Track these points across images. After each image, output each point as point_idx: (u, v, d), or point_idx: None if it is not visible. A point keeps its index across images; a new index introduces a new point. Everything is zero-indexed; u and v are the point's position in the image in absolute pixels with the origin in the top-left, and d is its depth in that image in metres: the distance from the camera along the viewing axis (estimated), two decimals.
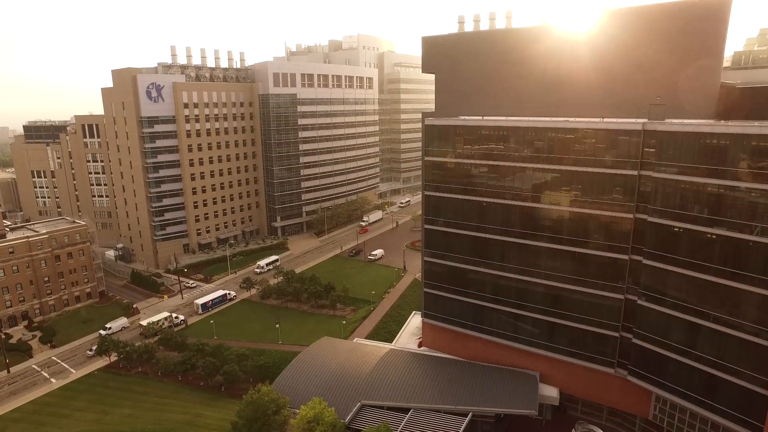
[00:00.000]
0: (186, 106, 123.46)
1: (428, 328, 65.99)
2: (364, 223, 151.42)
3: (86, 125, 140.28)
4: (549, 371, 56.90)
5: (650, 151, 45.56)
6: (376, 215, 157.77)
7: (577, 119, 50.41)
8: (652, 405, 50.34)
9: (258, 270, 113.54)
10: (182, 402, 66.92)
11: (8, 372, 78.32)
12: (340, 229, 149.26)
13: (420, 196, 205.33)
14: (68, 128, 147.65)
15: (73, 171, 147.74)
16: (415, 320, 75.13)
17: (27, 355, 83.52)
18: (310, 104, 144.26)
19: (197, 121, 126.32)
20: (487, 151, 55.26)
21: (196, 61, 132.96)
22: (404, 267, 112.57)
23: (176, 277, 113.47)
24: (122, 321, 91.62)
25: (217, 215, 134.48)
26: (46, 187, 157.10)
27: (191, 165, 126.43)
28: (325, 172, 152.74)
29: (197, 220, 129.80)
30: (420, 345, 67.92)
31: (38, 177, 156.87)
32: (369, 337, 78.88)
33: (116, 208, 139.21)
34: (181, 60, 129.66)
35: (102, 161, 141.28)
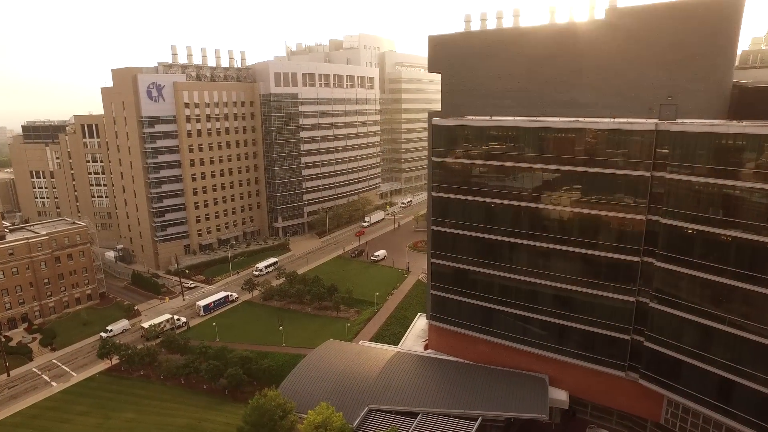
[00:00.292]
0: (187, 105, 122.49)
1: (435, 330, 65.26)
2: (365, 224, 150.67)
3: (86, 125, 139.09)
4: (558, 374, 56.24)
5: (663, 151, 44.85)
6: (378, 215, 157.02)
7: (587, 119, 49.67)
8: (664, 409, 49.70)
9: (257, 273, 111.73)
10: (185, 406, 66.08)
11: (8, 375, 77.36)
12: (342, 230, 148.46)
13: (421, 196, 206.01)
14: (67, 128, 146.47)
15: (72, 171, 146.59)
16: (420, 322, 74.41)
17: (27, 358, 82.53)
18: (311, 104, 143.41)
19: (198, 121, 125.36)
20: (496, 152, 54.52)
21: (197, 60, 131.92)
22: (407, 268, 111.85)
23: (177, 278, 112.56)
24: (123, 323, 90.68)
25: (218, 216, 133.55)
26: (45, 188, 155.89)
27: (192, 165, 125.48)
28: (326, 173, 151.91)
29: (198, 221, 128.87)
30: (426, 347, 67.18)
31: (37, 177, 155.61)
32: (374, 339, 78.15)
33: (116, 208, 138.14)
34: (182, 59, 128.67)
35: (102, 161, 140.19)
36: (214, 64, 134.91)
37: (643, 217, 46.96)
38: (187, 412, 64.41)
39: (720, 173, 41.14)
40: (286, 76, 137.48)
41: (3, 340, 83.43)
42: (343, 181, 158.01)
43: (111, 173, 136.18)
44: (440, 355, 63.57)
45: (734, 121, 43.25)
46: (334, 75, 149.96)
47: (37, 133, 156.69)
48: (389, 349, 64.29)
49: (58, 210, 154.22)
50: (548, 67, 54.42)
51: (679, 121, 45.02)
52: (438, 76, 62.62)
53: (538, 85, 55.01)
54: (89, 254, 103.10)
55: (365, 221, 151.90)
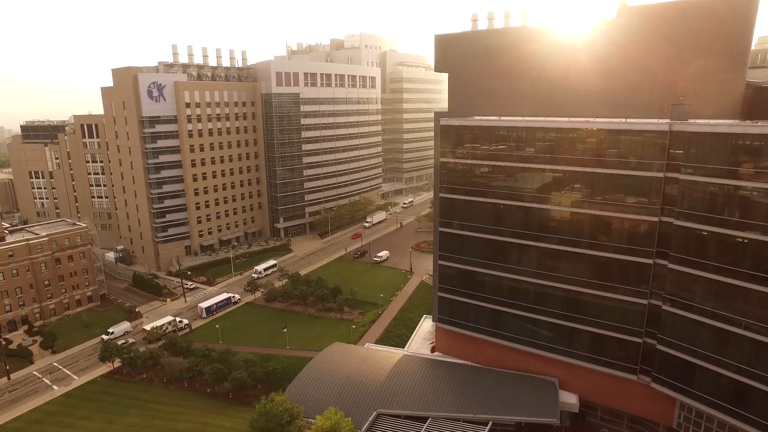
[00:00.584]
0: (188, 105, 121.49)
1: (442, 332, 64.59)
2: (367, 224, 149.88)
3: (85, 125, 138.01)
4: (568, 377, 55.63)
5: (677, 152, 44.22)
6: (380, 216, 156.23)
7: (598, 119, 49.00)
8: (677, 413, 49.10)
9: (256, 275, 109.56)
10: (189, 410, 65.19)
11: (8, 379, 76.29)
12: (344, 230, 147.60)
13: (422, 196, 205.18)
14: (67, 128, 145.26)
15: (71, 171, 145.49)
16: (426, 324, 73.73)
17: (27, 361, 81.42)
18: (312, 104, 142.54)
19: (199, 120, 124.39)
20: (505, 152, 53.82)
21: (198, 60, 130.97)
22: (411, 269, 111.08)
23: (178, 280, 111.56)
24: (125, 325, 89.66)
25: (219, 216, 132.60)
26: (44, 188, 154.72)
27: (193, 165, 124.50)
28: (327, 173, 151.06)
29: (199, 222, 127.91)
30: (433, 350, 66.53)
31: (36, 178, 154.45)
32: (379, 341, 77.41)
33: (116, 209, 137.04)
34: (183, 59, 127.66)
35: (101, 162, 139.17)
36: (215, 64, 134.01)
37: (655, 219, 46.33)
38: (191, 417, 63.54)
39: (736, 174, 40.51)
40: (288, 76, 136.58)
41: (3, 342, 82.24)
42: (344, 182, 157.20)
43: (111, 173, 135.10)
44: (447, 357, 62.91)
45: (748, 121, 42.62)
46: (335, 75, 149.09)
47: (36, 133, 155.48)
48: (396, 352, 63.54)
49: (57, 210, 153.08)
50: (557, 67, 53.72)
51: (692, 121, 44.34)
52: (439, 76, 62.49)
53: (547, 85, 54.31)
54: (90, 255, 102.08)
55: (367, 221, 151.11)
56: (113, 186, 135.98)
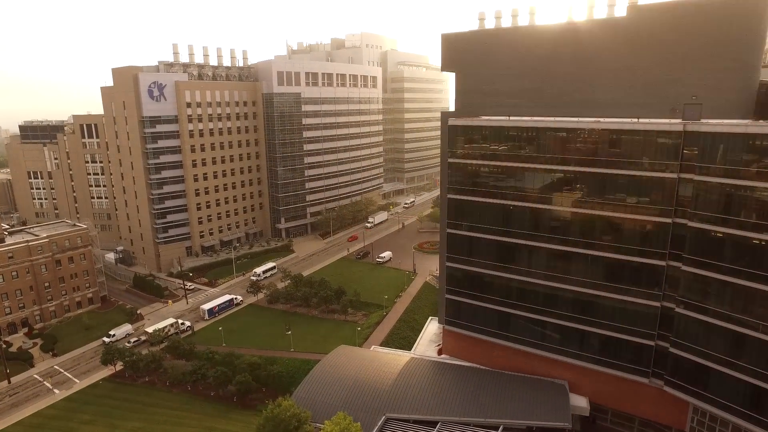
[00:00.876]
0: (189, 105, 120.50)
1: (449, 335, 63.86)
2: (369, 224, 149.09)
3: (84, 125, 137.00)
4: (578, 380, 54.96)
5: (691, 152, 43.57)
6: (382, 216, 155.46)
7: (610, 119, 48.36)
8: (690, 417, 48.47)
9: (254, 278, 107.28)
10: (194, 414, 64.38)
11: (9, 382, 75.31)
12: (346, 231, 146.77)
13: (424, 196, 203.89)
14: (66, 128, 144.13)
15: (71, 172, 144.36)
16: (432, 326, 73.03)
17: (28, 365, 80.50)
18: (314, 104, 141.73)
19: (200, 120, 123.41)
20: (515, 153, 53.11)
21: (199, 59, 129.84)
22: (414, 270, 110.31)
23: (179, 281, 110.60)
24: (126, 328, 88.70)
25: (221, 217, 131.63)
26: (43, 188, 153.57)
27: (194, 166, 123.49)
28: (329, 173, 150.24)
29: (200, 222, 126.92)
30: (440, 352, 65.80)
31: (35, 178, 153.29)
32: (384, 343, 76.64)
33: (116, 210, 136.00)
34: (183, 58, 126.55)
35: (101, 162, 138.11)
36: (215, 63, 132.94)
37: (669, 220, 45.66)
38: (196, 421, 62.74)
39: (752, 175, 39.86)
40: (289, 75, 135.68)
41: (3, 345, 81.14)
42: (346, 182, 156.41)
43: (111, 174, 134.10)
44: (455, 360, 62.19)
45: (762, 121, 41.97)
46: (337, 74, 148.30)
47: (35, 133, 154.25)
48: (403, 355, 62.82)
49: (56, 211, 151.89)
50: (566, 66, 53.00)
51: (706, 120, 43.75)
52: (440, 76, 61.87)
53: (556, 85, 53.62)
54: (90, 257, 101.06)
55: (369, 222, 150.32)
56: (113, 186, 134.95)
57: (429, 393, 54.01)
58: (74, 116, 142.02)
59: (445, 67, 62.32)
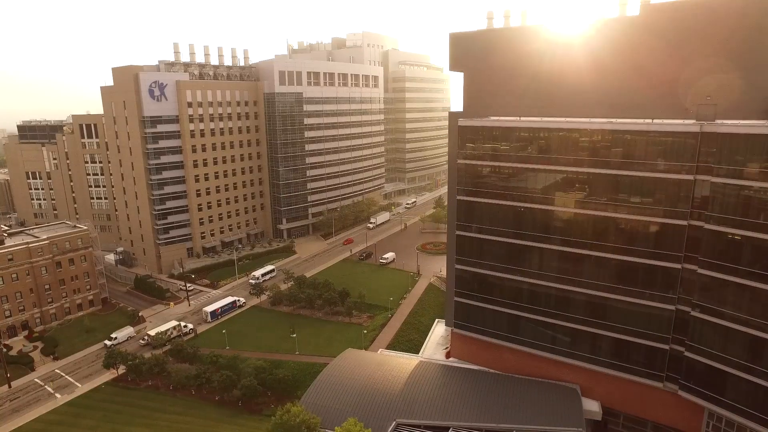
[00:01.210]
0: (190, 105, 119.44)
1: (457, 338, 63.07)
2: (371, 225, 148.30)
3: (84, 125, 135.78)
4: (589, 384, 54.24)
5: (708, 154, 42.86)
6: (384, 217, 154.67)
7: (624, 120, 47.64)
8: (705, 421, 47.78)
9: (253, 281, 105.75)
10: (199, 419, 63.42)
11: (9, 387, 74.15)
12: (347, 231, 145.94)
13: (425, 196, 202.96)
14: (65, 128, 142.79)
15: (70, 172, 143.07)
16: (438, 329, 72.24)
17: (29, 368, 79.36)
18: (316, 103, 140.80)
19: (201, 120, 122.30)
20: (526, 154, 52.34)
21: (200, 58, 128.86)
22: (418, 271, 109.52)
23: (180, 283, 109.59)
24: (128, 330, 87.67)
25: (222, 218, 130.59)
26: (42, 189, 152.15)
27: (195, 166, 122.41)
28: (331, 173, 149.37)
29: (201, 223, 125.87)
30: (448, 356, 65.02)
31: (33, 178, 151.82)
32: (390, 346, 75.90)
33: (116, 210, 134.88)
34: (184, 58, 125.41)
35: (100, 162, 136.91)
36: (216, 63, 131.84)
37: (684, 222, 44.95)
38: (201, 426, 61.81)
39: None
40: (291, 75, 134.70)
41: (3, 349, 79.92)
42: (347, 182, 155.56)
43: (111, 174, 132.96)
44: (463, 363, 61.40)
45: None
46: (339, 74, 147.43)
47: (33, 133, 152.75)
48: (411, 359, 61.98)
49: (55, 212, 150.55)
50: (577, 65, 52.23)
51: (722, 122, 43.06)
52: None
53: (566, 84, 52.84)
54: (91, 258, 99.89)
55: (371, 222, 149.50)
56: (113, 187, 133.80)
57: (439, 398, 53.20)
58: (73, 116, 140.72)
59: (453, 66, 61.48)
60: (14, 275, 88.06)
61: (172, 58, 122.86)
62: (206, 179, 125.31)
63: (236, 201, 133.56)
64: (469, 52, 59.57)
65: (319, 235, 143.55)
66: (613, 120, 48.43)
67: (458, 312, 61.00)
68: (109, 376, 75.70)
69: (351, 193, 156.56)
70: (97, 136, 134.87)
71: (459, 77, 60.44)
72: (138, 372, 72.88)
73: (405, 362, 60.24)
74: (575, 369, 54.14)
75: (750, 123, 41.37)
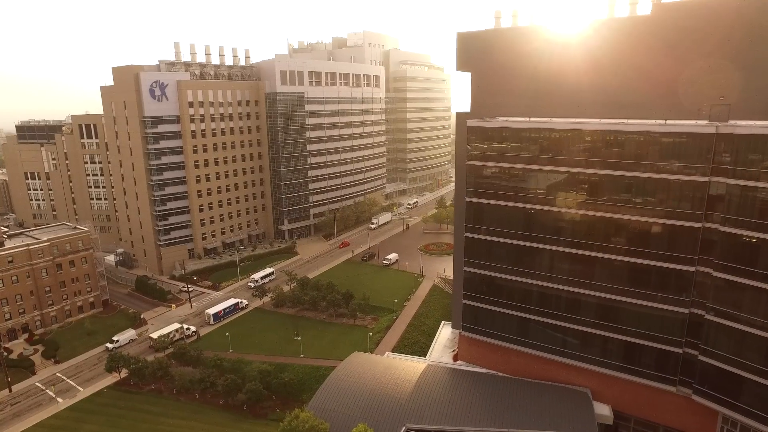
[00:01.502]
0: (191, 105, 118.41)
1: (465, 341, 62.38)
2: (373, 226, 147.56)
3: (83, 125, 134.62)
4: (600, 387, 53.62)
5: (724, 155, 42.24)
6: (386, 217, 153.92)
7: (637, 121, 47.02)
8: (719, 426, 47.18)
9: (252, 284, 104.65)
10: (203, 424, 62.61)
11: (10, 391, 73.15)
12: (349, 232, 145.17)
13: (426, 197, 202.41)
14: (64, 128, 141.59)
15: (69, 173, 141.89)
16: (445, 331, 71.51)
17: (29, 372, 78.34)
18: (317, 103, 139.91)
19: (202, 120, 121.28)
20: (537, 155, 51.65)
21: (200, 58, 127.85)
22: (422, 272, 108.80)
23: (181, 284, 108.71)
24: (130, 333, 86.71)
25: (223, 219, 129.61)
26: (41, 190, 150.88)
27: (196, 167, 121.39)
28: (332, 173, 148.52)
29: (202, 224, 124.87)
30: (455, 358, 64.31)
31: (32, 179, 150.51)
32: (396, 349, 75.13)
33: (116, 211, 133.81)
34: (185, 57, 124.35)
35: (100, 163, 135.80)
36: (217, 62, 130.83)
37: (699, 225, 44.33)
38: (205, 431, 60.87)
39: None
40: (292, 75, 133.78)
41: (4, 352, 78.81)
42: (349, 182, 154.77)
43: (111, 175, 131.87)
44: (471, 367, 60.74)
45: None
46: (340, 73, 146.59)
47: (32, 133, 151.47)
48: (419, 362, 61.25)
49: (54, 213, 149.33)
50: (586, 66, 51.66)
51: (738, 122, 42.49)
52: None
53: (576, 85, 52.22)
54: (92, 260, 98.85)
55: (373, 223, 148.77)
56: (113, 188, 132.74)
57: (448, 402, 52.51)
58: (73, 116, 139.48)
59: (460, 67, 60.77)
60: (14, 277, 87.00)
61: (172, 58, 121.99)
62: (207, 180, 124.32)
63: (237, 202, 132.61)
64: (476, 52, 58.92)
65: (321, 235, 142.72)
66: (626, 121, 47.84)
67: (466, 315, 60.32)
68: (111, 379, 74.78)
69: (352, 193, 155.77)
70: (96, 137, 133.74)
71: (459, 77, 60.05)
72: (141, 376, 71.97)
73: (413, 365, 59.52)
74: (585, 372, 53.50)
75: (766, 123, 40.75)
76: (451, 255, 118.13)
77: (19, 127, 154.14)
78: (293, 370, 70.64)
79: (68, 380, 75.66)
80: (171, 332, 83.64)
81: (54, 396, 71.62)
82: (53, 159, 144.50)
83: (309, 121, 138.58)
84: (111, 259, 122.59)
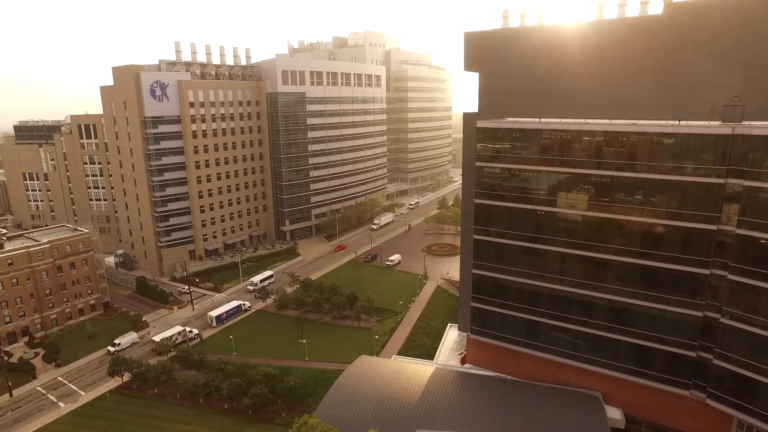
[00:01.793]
0: (192, 105, 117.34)
1: (473, 344, 61.72)
2: (375, 226, 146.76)
3: (82, 125, 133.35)
4: (611, 391, 53.07)
5: (740, 157, 41.66)
6: (387, 218, 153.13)
7: (650, 122, 46.42)
8: (734, 430, 46.68)
9: (251, 287, 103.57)
10: (208, 429, 61.70)
11: (11, 395, 72.07)
12: (351, 233, 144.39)
13: (427, 197, 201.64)
14: (62, 128, 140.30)
15: (68, 173, 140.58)
16: (452, 334, 70.91)
17: (30, 376, 77.25)
18: (319, 103, 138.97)
19: (203, 121, 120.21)
20: (548, 156, 50.99)
21: (201, 57, 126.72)
22: (425, 273, 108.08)
23: (182, 286, 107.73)
24: (132, 336, 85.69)
25: (224, 219, 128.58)
26: (39, 190, 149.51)
27: (197, 167, 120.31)
28: (334, 174, 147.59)
29: (204, 225, 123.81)
30: (463, 361, 63.71)
31: (30, 180, 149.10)
32: (402, 352, 74.41)
33: (115, 212, 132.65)
34: (185, 57, 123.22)
35: (99, 163, 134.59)
36: (218, 62, 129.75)
37: (714, 227, 43.77)
38: None
39: None
40: (294, 74, 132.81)
41: (4, 356, 77.64)
42: (350, 183, 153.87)
43: (110, 176, 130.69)
44: (480, 370, 60.10)
45: None
46: (341, 73, 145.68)
47: (30, 133, 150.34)
48: (427, 365, 60.56)
49: (52, 213, 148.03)
50: (597, 66, 51.09)
51: (753, 123, 41.90)
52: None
53: (586, 86, 51.68)
54: (93, 262, 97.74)
55: (375, 223, 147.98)
56: (112, 189, 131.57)
57: (458, 407, 51.82)
58: (72, 116, 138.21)
59: (468, 66, 60.10)
60: (14, 280, 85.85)
61: (173, 58, 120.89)
62: (208, 180, 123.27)
63: (239, 202, 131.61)
64: (485, 52, 58.28)
65: (323, 236, 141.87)
66: (638, 122, 47.26)
67: (475, 317, 59.65)
68: (113, 383, 73.79)
69: (354, 194, 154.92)
70: (96, 137, 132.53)
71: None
72: (144, 379, 71.02)
73: (421, 369, 58.83)
74: (596, 376, 52.93)
75: None
76: (454, 256, 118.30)
77: (17, 128, 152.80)
78: (298, 374, 69.81)
79: (70, 384, 74.63)
80: (173, 335, 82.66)
81: (55, 401, 70.59)
82: (52, 159, 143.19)
83: (310, 121, 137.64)
84: (111, 260, 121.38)
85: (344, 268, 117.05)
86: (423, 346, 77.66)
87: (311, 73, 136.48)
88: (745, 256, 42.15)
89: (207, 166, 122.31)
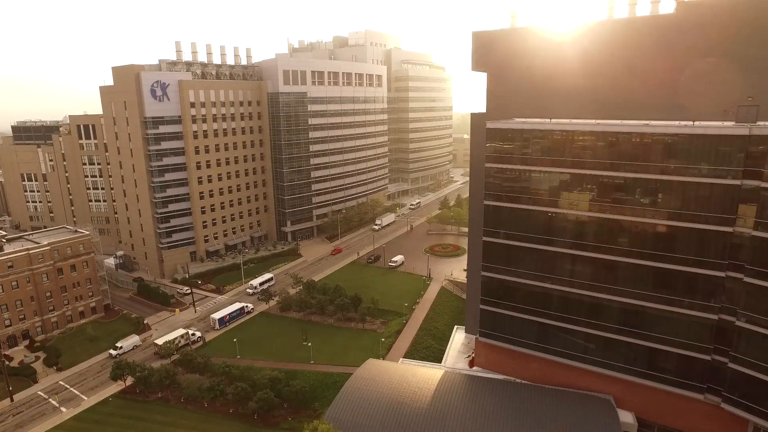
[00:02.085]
0: (193, 105, 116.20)
1: (482, 347, 61.07)
2: (376, 227, 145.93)
3: (81, 126, 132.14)
4: (623, 395, 52.50)
5: (756, 158, 41.08)
6: (389, 218, 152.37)
7: (664, 123, 45.84)
8: None
9: (250, 290, 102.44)
10: None
11: (12, 400, 70.97)
12: (352, 233, 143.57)
13: (429, 197, 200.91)
14: (61, 129, 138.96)
15: (66, 174, 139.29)
16: (459, 336, 70.22)
17: (31, 380, 76.13)
18: (320, 103, 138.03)
19: (204, 121, 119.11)
20: (559, 157, 50.31)
21: (202, 57, 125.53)
22: (429, 274, 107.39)
23: (183, 288, 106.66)
24: (134, 339, 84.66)
25: (225, 220, 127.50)
26: (37, 191, 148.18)
27: (198, 168, 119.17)
28: (335, 174, 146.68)
29: (205, 226, 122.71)
30: (471, 364, 63.04)
31: (28, 180, 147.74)
32: (408, 354, 73.68)
33: (115, 213, 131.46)
34: (186, 57, 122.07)
35: (99, 164, 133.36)
36: (219, 62, 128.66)
37: (729, 229, 43.19)
38: None
39: None
40: (295, 74, 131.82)
41: (4, 360, 76.50)
42: (352, 183, 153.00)
43: (110, 176, 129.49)
44: (489, 373, 59.48)
45: None
46: (343, 73, 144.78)
47: (29, 134, 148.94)
48: (435, 369, 59.88)
49: (51, 215, 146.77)
50: (608, 66, 50.54)
51: (763, 123, 41.41)
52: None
53: (596, 86, 51.09)
54: (93, 264, 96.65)
55: (377, 224, 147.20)
56: (112, 189, 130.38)
57: (469, 411, 51.12)
58: (71, 116, 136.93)
59: (476, 67, 59.40)
60: (14, 283, 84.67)
61: (173, 57, 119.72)
62: (209, 181, 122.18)
63: (240, 203, 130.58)
64: (493, 52, 57.65)
65: (324, 237, 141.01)
66: (650, 122, 46.63)
67: (484, 320, 59.00)
68: (116, 387, 72.78)
69: (355, 194, 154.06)
70: (95, 137, 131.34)
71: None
72: (147, 383, 70.06)
73: (429, 373, 58.14)
74: (608, 379, 52.35)
75: None
76: (457, 257, 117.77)
77: (15, 128, 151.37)
78: (304, 377, 69.00)
79: (71, 388, 73.59)
80: (176, 338, 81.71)
81: (57, 405, 69.57)
82: (50, 160, 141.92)
83: (311, 121, 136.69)
84: (111, 261, 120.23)
85: (347, 270, 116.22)
86: (429, 348, 76.96)
87: (312, 72, 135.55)
88: (761, 258, 41.62)
89: (208, 166, 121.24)
